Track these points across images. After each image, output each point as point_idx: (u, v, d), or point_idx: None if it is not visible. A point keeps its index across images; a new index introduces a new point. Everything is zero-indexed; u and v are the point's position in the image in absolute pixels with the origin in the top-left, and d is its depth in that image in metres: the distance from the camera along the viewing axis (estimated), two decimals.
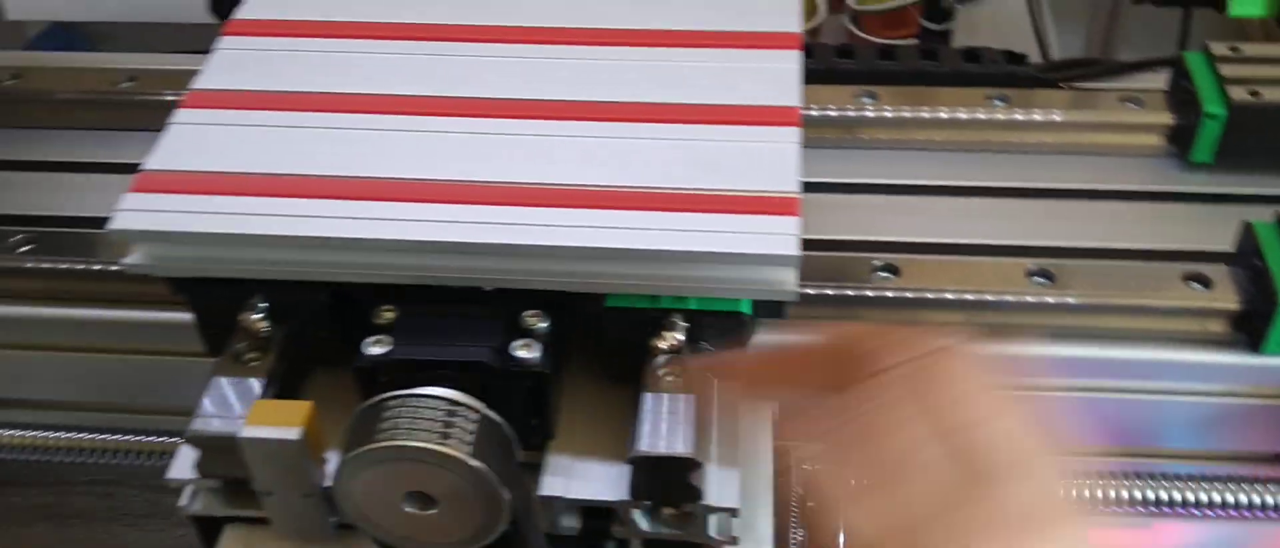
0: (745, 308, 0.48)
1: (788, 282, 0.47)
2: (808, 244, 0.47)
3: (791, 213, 0.47)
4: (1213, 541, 0.69)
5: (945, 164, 0.69)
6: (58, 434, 0.67)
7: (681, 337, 0.48)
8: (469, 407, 0.44)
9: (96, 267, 0.62)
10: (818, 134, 0.69)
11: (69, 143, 0.72)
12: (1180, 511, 0.61)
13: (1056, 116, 0.69)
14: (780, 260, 0.46)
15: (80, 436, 0.68)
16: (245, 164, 0.50)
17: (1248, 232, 0.60)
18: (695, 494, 0.46)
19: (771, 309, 0.49)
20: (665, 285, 0.48)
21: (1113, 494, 0.61)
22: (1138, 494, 0.62)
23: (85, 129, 0.73)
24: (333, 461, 0.46)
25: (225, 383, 0.48)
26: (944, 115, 0.69)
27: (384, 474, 0.43)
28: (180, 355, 0.64)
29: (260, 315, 0.49)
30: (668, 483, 0.46)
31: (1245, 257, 0.60)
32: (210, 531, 0.51)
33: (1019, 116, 0.69)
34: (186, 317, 0.52)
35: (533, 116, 0.52)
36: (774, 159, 0.49)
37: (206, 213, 0.48)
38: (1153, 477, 0.61)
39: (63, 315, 0.64)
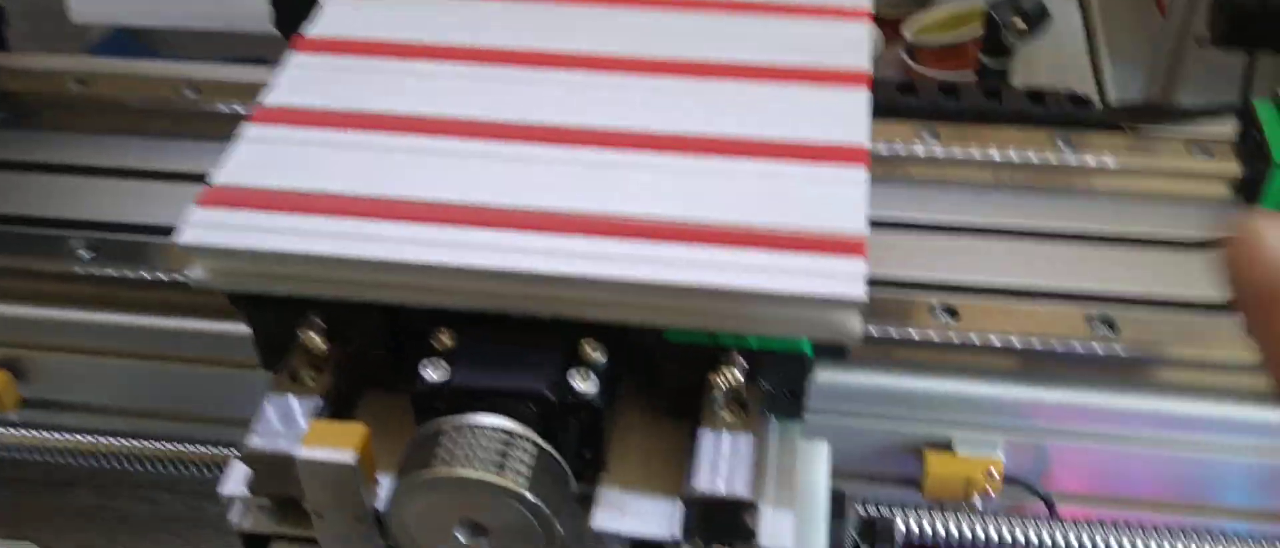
0: (806, 348, 0.48)
1: (852, 325, 0.46)
2: (867, 282, 0.46)
3: (859, 254, 0.46)
4: None
5: (1005, 205, 0.68)
6: (108, 440, 0.68)
7: (740, 375, 0.47)
8: (526, 439, 0.44)
9: (153, 276, 0.63)
10: (877, 170, 0.68)
11: (131, 150, 0.73)
12: None
13: (1123, 162, 0.68)
14: (845, 303, 0.45)
15: (130, 442, 0.68)
16: (313, 182, 0.50)
17: None
18: (749, 535, 0.46)
19: (834, 352, 0.48)
20: (725, 322, 0.47)
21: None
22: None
23: (148, 136, 0.73)
24: (385, 484, 0.46)
25: (280, 401, 0.48)
26: (1011, 156, 0.68)
27: (438, 502, 0.43)
28: (232, 367, 0.64)
29: (318, 335, 0.49)
30: (722, 523, 0.45)
31: None
32: (258, 547, 0.51)
33: (1087, 161, 0.68)
34: (240, 328, 0.52)
35: (601, 145, 0.51)
36: (841, 198, 0.48)
37: (271, 231, 0.48)
38: (1215, 536, 0.60)
39: (118, 322, 0.64)
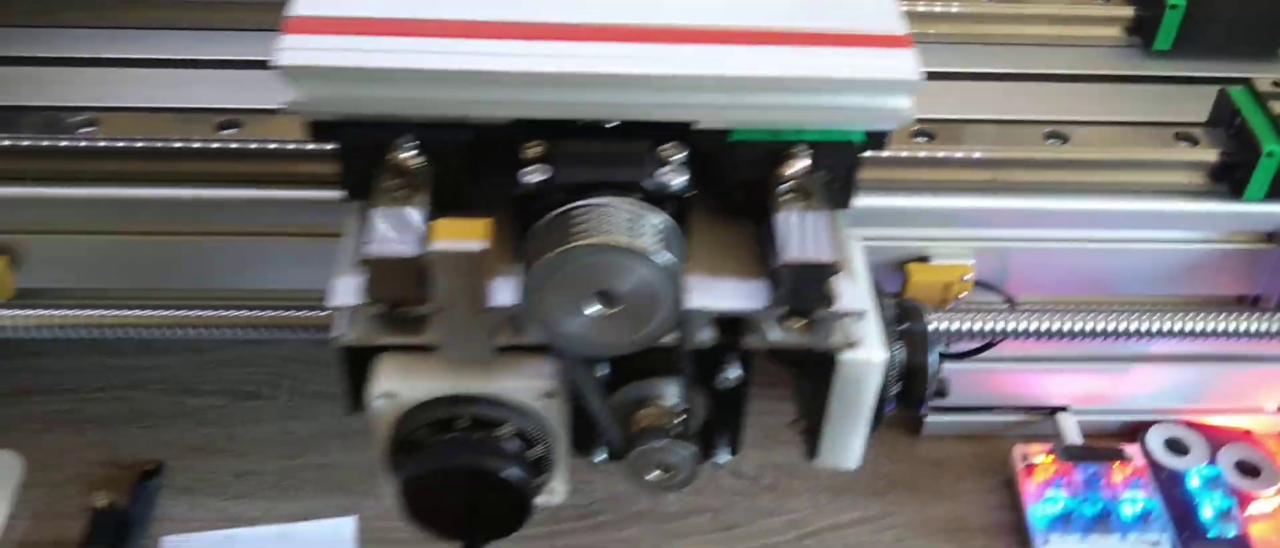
0: (858, 137, 0.54)
1: (905, 107, 0.52)
2: None
3: (908, 46, 0.52)
4: (1182, 383, 0.78)
5: (945, 54, 0.76)
6: (97, 312, 0.66)
7: (806, 162, 0.53)
8: (649, 212, 0.48)
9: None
10: None
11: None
12: (1158, 338, 0.68)
13: (1035, 10, 0.77)
14: (904, 86, 0.52)
15: (121, 312, 0.67)
16: (390, 10, 0.53)
17: (1223, 97, 0.69)
18: (830, 300, 0.52)
19: (876, 141, 0.55)
20: (790, 116, 0.53)
21: (1102, 327, 0.67)
22: (1125, 326, 0.68)
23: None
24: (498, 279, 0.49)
25: (388, 212, 0.51)
26: (955, 9, 0.76)
27: (574, 276, 0.47)
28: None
29: (411, 152, 0.52)
30: (807, 289, 0.51)
31: (1223, 117, 0.69)
32: (357, 367, 0.54)
33: (1001, 10, 0.77)
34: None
35: None
36: (880, 6, 0.55)
37: (363, 51, 0.51)
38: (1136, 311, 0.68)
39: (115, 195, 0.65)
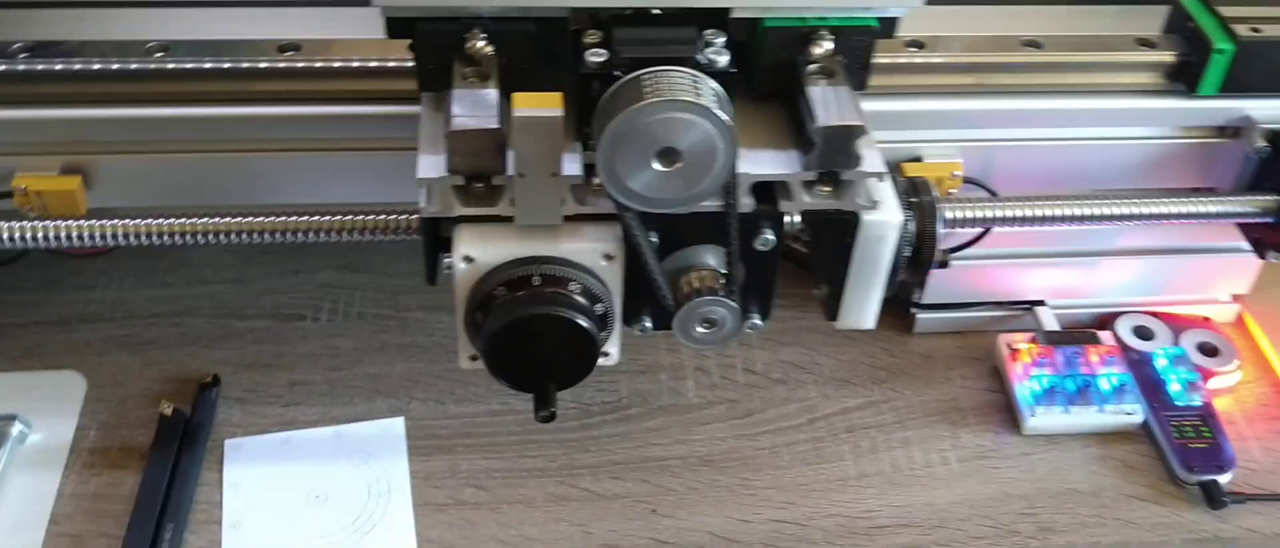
0: (874, 22, 0.61)
1: None
2: None
3: None
4: (1147, 275, 0.86)
5: None
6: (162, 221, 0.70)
7: (830, 46, 0.61)
8: (706, 78, 0.55)
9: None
10: None
11: None
12: (1137, 221, 0.76)
13: None
14: None
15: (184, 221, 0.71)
16: None
17: (1177, 5, 0.77)
18: (857, 160, 0.59)
19: (887, 27, 0.62)
20: (814, 1, 0.60)
21: (1076, 212, 0.75)
22: (1093, 211, 0.75)
23: None
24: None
25: (466, 94, 0.58)
26: None
27: (642, 133, 0.54)
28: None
29: (484, 41, 0.59)
30: (838, 150, 0.59)
31: (1177, 24, 0.77)
32: (435, 239, 0.60)
33: None
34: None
35: None
36: None
37: None
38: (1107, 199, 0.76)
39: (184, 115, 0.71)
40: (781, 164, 0.60)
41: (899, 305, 0.88)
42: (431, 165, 0.58)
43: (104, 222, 0.69)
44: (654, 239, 0.61)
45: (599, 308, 0.60)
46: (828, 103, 0.59)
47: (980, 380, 0.85)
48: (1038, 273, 0.86)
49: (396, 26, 0.60)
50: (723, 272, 0.62)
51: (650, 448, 0.79)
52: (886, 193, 0.63)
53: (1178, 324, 0.88)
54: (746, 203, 0.61)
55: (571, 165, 0.58)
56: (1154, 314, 0.88)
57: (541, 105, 0.55)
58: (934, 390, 0.84)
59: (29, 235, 0.68)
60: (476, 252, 0.59)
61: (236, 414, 0.79)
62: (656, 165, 0.55)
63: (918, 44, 0.75)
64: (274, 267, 0.90)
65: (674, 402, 0.82)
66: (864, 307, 0.66)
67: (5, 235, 0.68)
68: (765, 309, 0.66)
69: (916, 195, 0.66)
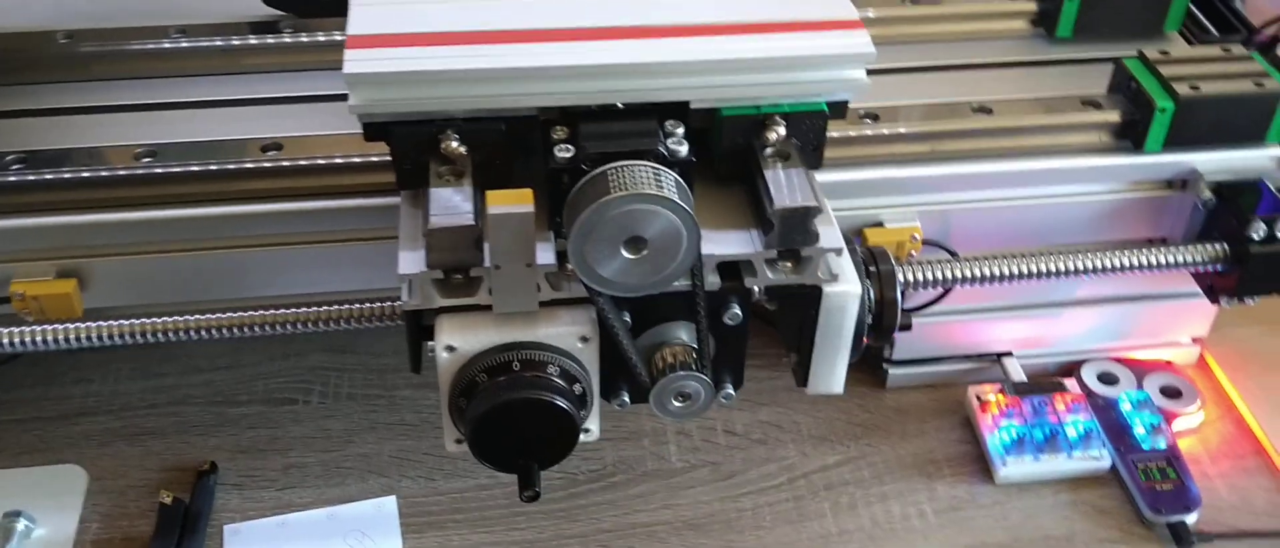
0: (824, 107, 0.65)
1: (861, 77, 0.64)
2: None
3: (861, 28, 0.64)
4: (1108, 323, 0.89)
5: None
6: (156, 320, 0.72)
7: (783, 131, 0.64)
8: (666, 169, 0.58)
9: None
10: None
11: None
12: (1091, 275, 0.79)
13: (951, 10, 0.90)
14: (862, 59, 0.63)
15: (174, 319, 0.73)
16: (425, 26, 0.63)
17: (1120, 67, 0.81)
18: (815, 237, 0.62)
19: (837, 109, 0.66)
20: (771, 90, 0.63)
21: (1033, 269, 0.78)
22: (1049, 267, 0.78)
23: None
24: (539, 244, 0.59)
25: (441, 193, 0.61)
26: (874, 14, 0.88)
27: (609, 225, 0.57)
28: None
29: (457, 142, 0.62)
30: (795, 230, 0.62)
31: (1121, 85, 0.81)
32: (418, 330, 0.63)
33: (921, 12, 0.89)
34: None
35: None
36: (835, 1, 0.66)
37: (411, 58, 0.61)
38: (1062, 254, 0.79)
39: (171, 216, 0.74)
40: (744, 244, 0.63)
41: (872, 361, 0.91)
42: (411, 261, 0.61)
43: (99, 324, 0.71)
44: (627, 319, 0.64)
45: (577, 388, 0.63)
46: (784, 185, 0.62)
47: (953, 432, 0.88)
48: (1003, 326, 0.90)
49: (373, 131, 0.63)
50: (695, 346, 0.65)
51: (636, 515, 0.82)
52: (845, 265, 0.66)
53: (1141, 368, 0.91)
54: (713, 281, 0.64)
55: (545, 254, 0.61)
56: (1118, 360, 0.92)
57: (514, 202, 0.58)
58: (909, 444, 0.87)
59: (28, 340, 0.71)
60: (458, 341, 0.62)
61: (234, 499, 0.82)
62: (625, 253, 0.58)
63: (873, 115, 0.79)
64: (265, 352, 0.93)
65: (658, 467, 0.85)
66: (831, 373, 0.69)
67: (5, 341, 0.71)
68: (738, 379, 0.69)
69: (875, 264, 0.69)
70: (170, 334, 0.71)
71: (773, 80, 0.63)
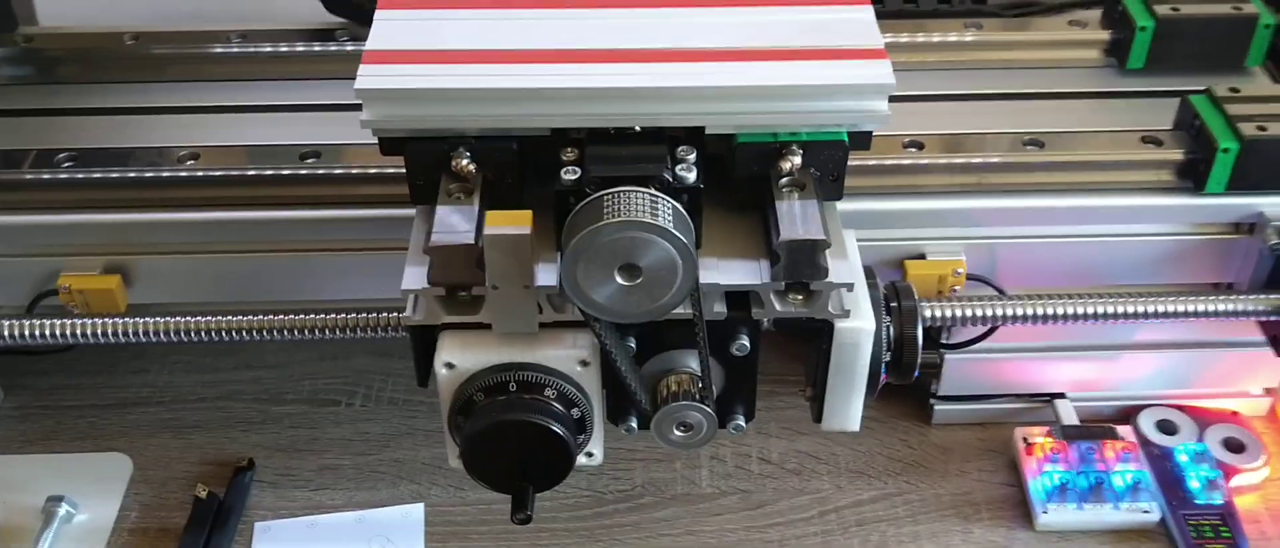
0: (844, 136, 0.63)
1: (883, 108, 0.62)
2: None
3: (884, 57, 0.62)
4: (1171, 368, 0.85)
5: (935, 79, 0.85)
6: (199, 319, 0.74)
7: (799, 160, 0.62)
8: (664, 197, 0.58)
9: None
10: None
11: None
12: (1141, 320, 0.75)
13: (1018, 37, 0.87)
14: (880, 89, 0.61)
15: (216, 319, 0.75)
16: (444, 44, 0.63)
17: (1185, 103, 0.77)
18: (823, 272, 0.61)
19: (860, 140, 0.64)
20: (785, 120, 0.62)
21: (1079, 311, 0.75)
22: (1097, 310, 0.75)
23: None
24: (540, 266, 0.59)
25: (448, 210, 0.61)
26: (959, 38, 0.86)
27: (603, 251, 0.56)
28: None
29: (467, 160, 0.62)
30: (802, 263, 0.60)
31: (1185, 122, 0.77)
32: (424, 344, 0.63)
33: (986, 37, 0.86)
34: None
35: (665, 5, 0.66)
36: (859, 26, 0.64)
37: (423, 75, 0.61)
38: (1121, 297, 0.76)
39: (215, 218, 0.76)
40: (751, 274, 0.62)
41: (918, 395, 0.88)
42: (416, 277, 0.61)
43: (139, 320, 0.73)
44: (632, 344, 0.64)
45: (576, 412, 0.63)
46: (792, 217, 0.60)
47: (997, 474, 0.85)
48: (1058, 366, 0.86)
49: (388, 145, 0.63)
50: (701, 373, 0.64)
51: (659, 539, 0.81)
52: (860, 300, 0.64)
53: (1205, 418, 0.86)
54: (720, 310, 0.63)
55: (546, 276, 0.61)
56: (1180, 407, 0.87)
57: (510, 223, 0.58)
58: (949, 484, 0.84)
59: (71, 331, 0.73)
60: (458, 358, 0.62)
61: (269, 497, 0.84)
62: (619, 280, 0.58)
63: (918, 143, 0.76)
64: (314, 352, 0.94)
65: (687, 491, 0.84)
66: (846, 410, 0.67)
67: (50, 331, 0.73)
68: (749, 411, 0.68)
69: (898, 300, 0.67)
70: (204, 334, 0.73)
71: (788, 108, 0.62)
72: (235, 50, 0.86)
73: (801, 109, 0.62)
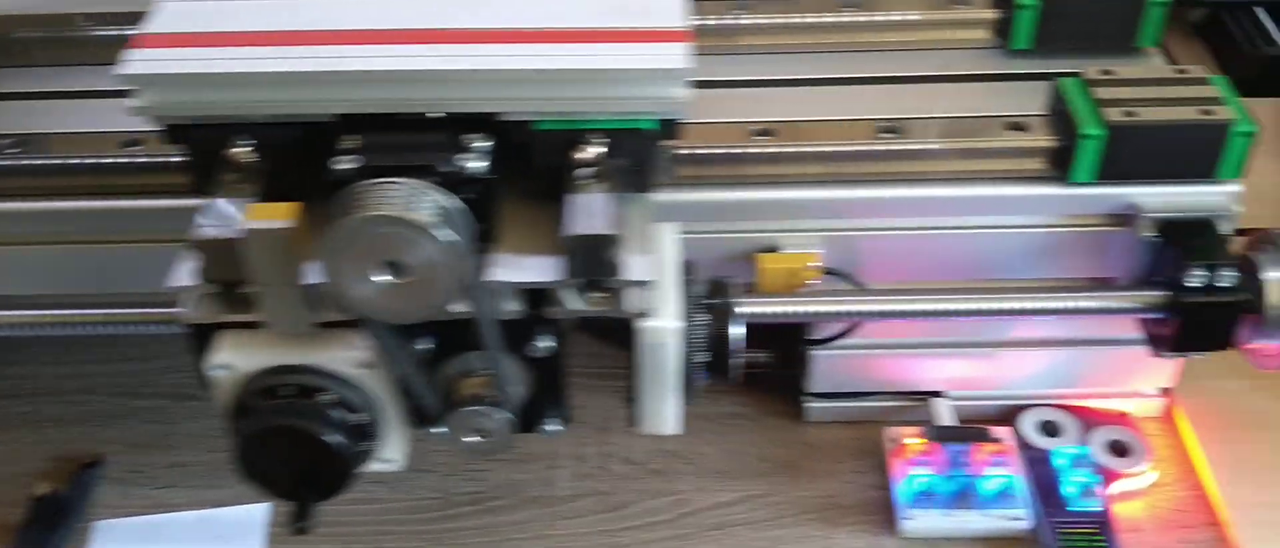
0: (649, 125, 0.59)
1: (681, 94, 0.58)
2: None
3: (682, 40, 0.58)
4: (1056, 367, 0.81)
5: (805, 63, 0.81)
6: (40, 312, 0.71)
7: (597, 149, 0.59)
8: (426, 189, 0.54)
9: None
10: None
11: None
12: (1007, 316, 0.72)
13: (897, 17, 0.82)
14: (674, 75, 0.57)
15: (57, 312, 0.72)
16: (224, 26, 0.60)
17: (1055, 88, 0.73)
18: (614, 269, 0.57)
19: (669, 130, 0.60)
20: (582, 106, 0.58)
21: (960, 307, 0.71)
22: (972, 306, 0.71)
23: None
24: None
25: (221, 203, 0.58)
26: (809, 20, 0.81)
27: (362, 245, 0.53)
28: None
29: (245, 148, 0.59)
30: (594, 260, 0.57)
31: (1055, 107, 0.73)
32: (203, 342, 0.60)
33: (863, 18, 0.82)
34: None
35: None
36: (665, 6, 0.60)
37: (199, 59, 0.58)
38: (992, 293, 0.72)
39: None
40: (545, 271, 0.58)
41: (791, 392, 0.85)
42: (185, 273, 0.58)
43: None
44: (429, 345, 0.60)
45: (358, 418, 0.60)
46: (581, 211, 0.57)
47: (868, 476, 0.81)
48: (935, 363, 0.82)
49: (174, 133, 0.60)
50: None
51: (507, 544, 0.78)
52: (667, 298, 0.60)
53: (1092, 419, 0.82)
54: (515, 308, 0.59)
55: (317, 274, 0.57)
56: (1067, 408, 0.83)
57: (272, 216, 0.54)
58: (817, 485, 0.81)
59: None
60: (234, 359, 0.59)
61: (114, 495, 0.81)
62: (381, 277, 0.54)
63: (767, 131, 0.73)
64: (178, 343, 0.91)
65: (542, 493, 0.81)
66: (661, 412, 0.64)
67: None
68: (562, 413, 0.64)
69: (716, 298, 0.64)
70: None
71: (579, 95, 0.58)
72: (65, 35, 0.83)
73: (591, 95, 0.58)
